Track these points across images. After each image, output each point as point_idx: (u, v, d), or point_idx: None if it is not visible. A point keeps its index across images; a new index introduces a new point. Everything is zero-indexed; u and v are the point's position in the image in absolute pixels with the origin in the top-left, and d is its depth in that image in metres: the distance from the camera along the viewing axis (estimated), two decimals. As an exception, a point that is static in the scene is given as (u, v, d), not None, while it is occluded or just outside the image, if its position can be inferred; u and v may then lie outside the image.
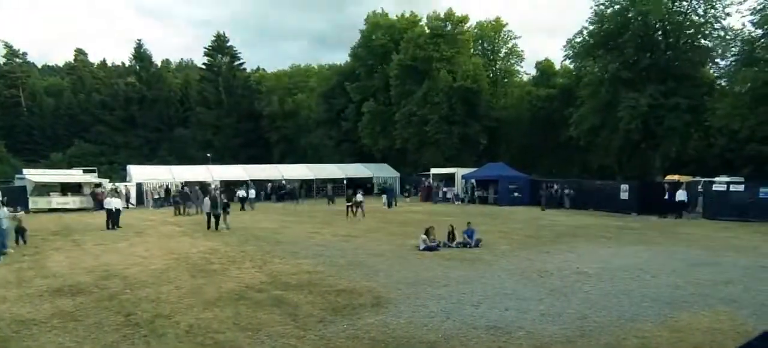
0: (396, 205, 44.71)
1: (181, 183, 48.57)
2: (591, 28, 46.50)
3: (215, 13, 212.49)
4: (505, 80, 68.10)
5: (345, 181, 55.91)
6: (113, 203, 31.09)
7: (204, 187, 45.06)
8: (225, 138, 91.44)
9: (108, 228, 29.56)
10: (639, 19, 42.74)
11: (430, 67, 58.47)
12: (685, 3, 43.65)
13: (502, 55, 68.29)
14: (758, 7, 36.02)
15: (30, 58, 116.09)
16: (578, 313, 11.59)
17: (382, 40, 66.06)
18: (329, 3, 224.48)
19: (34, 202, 43.29)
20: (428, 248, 20.42)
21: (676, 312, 11.63)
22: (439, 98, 56.88)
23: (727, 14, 41.58)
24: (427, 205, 47.29)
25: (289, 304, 12.67)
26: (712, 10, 42.25)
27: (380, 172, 63.35)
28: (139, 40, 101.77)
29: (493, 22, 67.00)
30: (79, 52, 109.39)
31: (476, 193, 47.32)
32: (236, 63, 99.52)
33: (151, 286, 14.76)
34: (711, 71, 45.29)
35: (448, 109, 56.75)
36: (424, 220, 28.25)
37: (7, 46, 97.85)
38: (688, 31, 43.53)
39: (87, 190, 46.64)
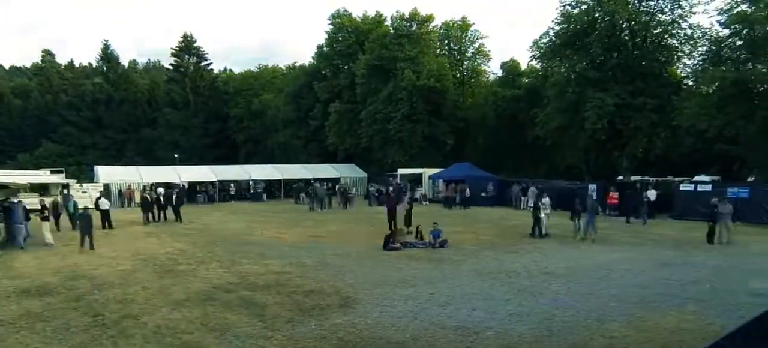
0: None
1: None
2: (557, 28, 46.50)
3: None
4: (473, 80, 67.99)
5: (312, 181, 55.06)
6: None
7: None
8: (193, 138, 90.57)
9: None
10: (606, 19, 43.03)
11: (395, 66, 58.34)
12: (652, 2, 43.94)
13: (469, 54, 68.16)
14: (725, 7, 36.47)
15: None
16: (546, 313, 11.69)
17: (347, 41, 66.24)
18: None
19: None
20: (389, 245, 20.56)
21: (644, 312, 11.78)
22: (401, 96, 56.73)
23: (693, 13, 41.98)
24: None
25: (257, 304, 12.64)
26: (679, 10, 42.59)
27: (347, 172, 62.78)
28: (106, 41, 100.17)
29: (460, 22, 66.86)
30: (47, 53, 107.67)
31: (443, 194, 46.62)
32: (203, 63, 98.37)
33: (118, 287, 14.64)
34: (678, 71, 45.57)
35: (409, 108, 56.39)
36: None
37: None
38: (654, 31, 43.81)
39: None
